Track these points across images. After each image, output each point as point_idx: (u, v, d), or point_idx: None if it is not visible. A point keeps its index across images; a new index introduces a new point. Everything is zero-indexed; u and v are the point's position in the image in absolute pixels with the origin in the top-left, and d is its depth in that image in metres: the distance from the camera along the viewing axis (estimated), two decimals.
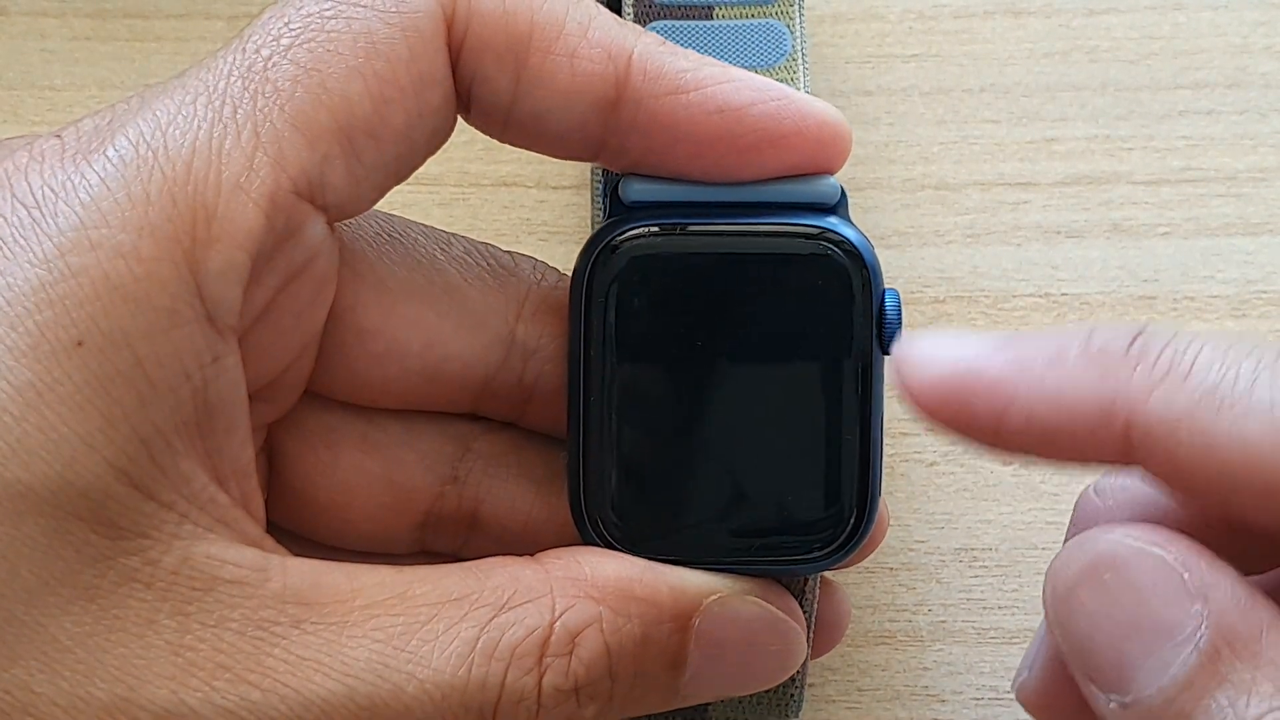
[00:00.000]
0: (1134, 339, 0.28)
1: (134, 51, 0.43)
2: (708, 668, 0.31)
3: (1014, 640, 0.38)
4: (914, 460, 0.40)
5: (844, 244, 0.31)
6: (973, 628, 0.38)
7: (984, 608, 0.39)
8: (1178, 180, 0.42)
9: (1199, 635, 0.27)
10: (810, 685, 0.38)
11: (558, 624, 0.29)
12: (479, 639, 0.29)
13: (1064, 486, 0.39)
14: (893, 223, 0.42)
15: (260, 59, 0.29)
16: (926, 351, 0.28)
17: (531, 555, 0.31)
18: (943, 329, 0.30)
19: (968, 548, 0.39)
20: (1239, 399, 0.27)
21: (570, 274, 0.32)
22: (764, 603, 0.31)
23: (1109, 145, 0.43)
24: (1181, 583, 0.27)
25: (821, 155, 0.31)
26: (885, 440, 0.39)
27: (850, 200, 0.32)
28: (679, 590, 0.31)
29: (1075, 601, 0.28)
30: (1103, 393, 0.27)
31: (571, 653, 0.29)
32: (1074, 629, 0.28)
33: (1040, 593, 0.38)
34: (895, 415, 0.40)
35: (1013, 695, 0.37)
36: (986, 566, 0.39)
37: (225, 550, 0.28)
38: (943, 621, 0.38)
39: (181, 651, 0.27)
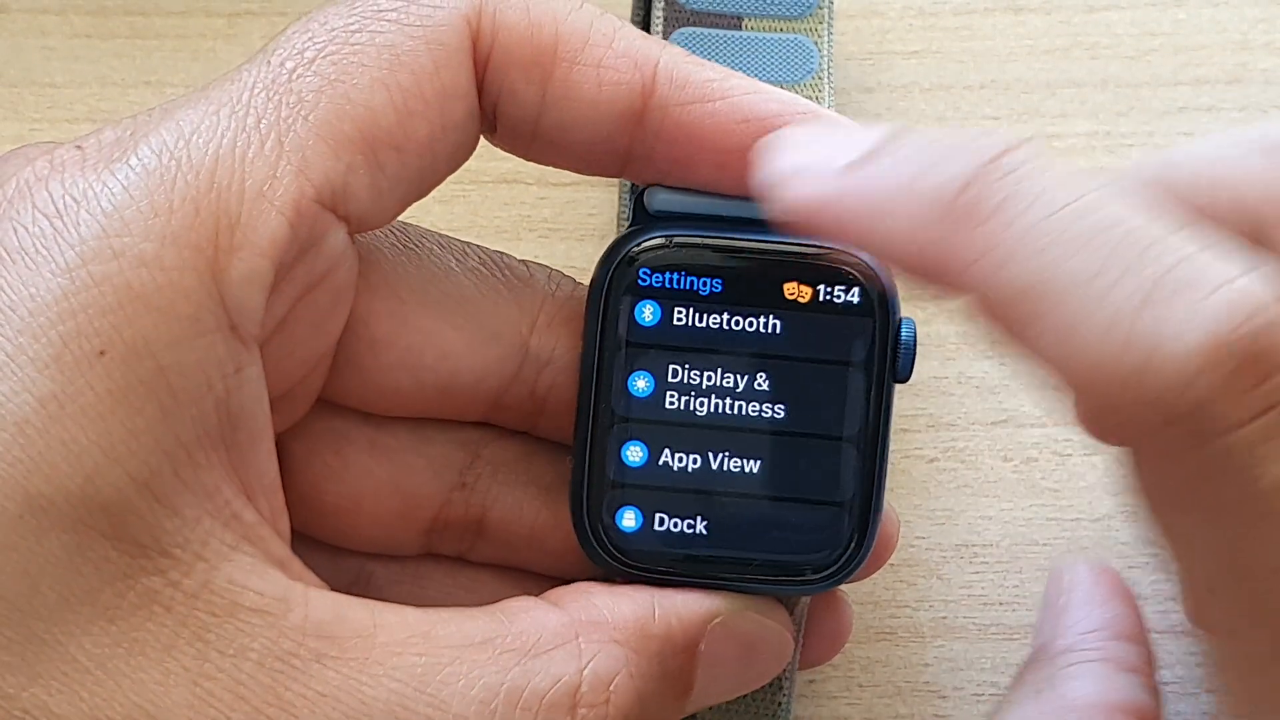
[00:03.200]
0: (968, 181, 0.27)
1: (134, 49, 0.43)
2: (708, 685, 0.31)
3: (1015, 636, 0.38)
4: (914, 457, 0.40)
5: (859, 266, 0.31)
6: (974, 624, 0.38)
7: (985, 604, 0.39)
8: None
9: None
10: (810, 682, 0.38)
11: (586, 671, 0.29)
12: (503, 685, 0.28)
13: (1064, 483, 0.39)
14: None
15: (284, 71, 0.29)
16: (780, 167, 0.29)
17: (543, 594, 0.30)
18: (802, 132, 0.30)
19: (968, 544, 0.39)
20: (1062, 294, 0.26)
21: (585, 282, 0.32)
22: (759, 617, 0.32)
23: (1109, 142, 0.43)
24: None
25: None
26: None
27: None
28: (686, 621, 0.31)
29: None
30: (937, 250, 0.27)
31: (608, 701, 0.29)
32: None
33: (1041, 590, 0.38)
34: (896, 413, 0.40)
35: None
36: (987, 563, 0.39)
37: (248, 576, 0.28)
38: (944, 618, 0.38)
39: (200, 680, 0.27)
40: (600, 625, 0.30)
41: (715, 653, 0.31)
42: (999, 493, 0.40)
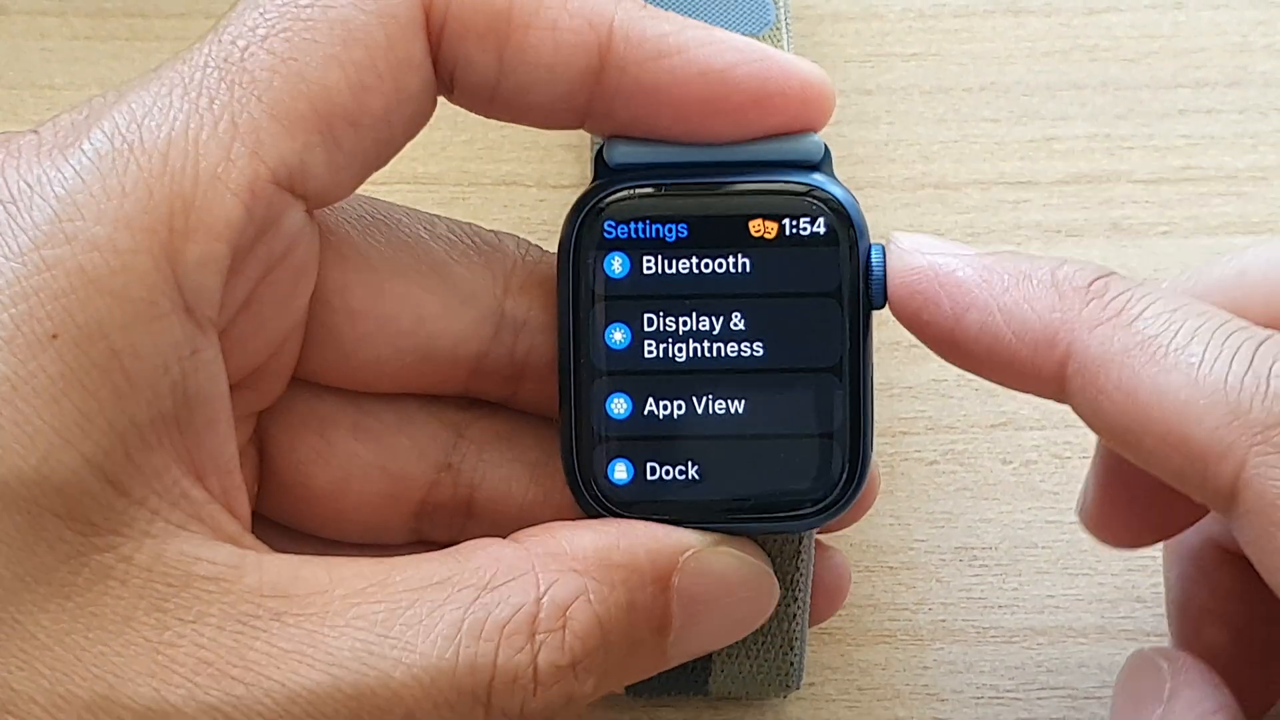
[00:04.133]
0: (1096, 279, 0.30)
1: (133, 51, 0.43)
2: (690, 625, 0.31)
3: (1014, 639, 0.38)
4: (914, 459, 0.40)
5: (830, 200, 0.31)
6: (973, 626, 0.38)
7: (984, 606, 0.39)
8: (1178, 179, 0.42)
9: None
10: (810, 684, 0.38)
11: (545, 599, 0.29)
12: (464, 620, 0.29)
13: (1064, 486, 0.39)
14: (893, 221, 0.42)
15: (236, 50, 0.29)
16: (911, 244, 0.31)
17: (506, 536, 0.31)
18: (931, 235, 0.32)
19: (968, 546, 0.39)
20: (1172, 351, 0.29)
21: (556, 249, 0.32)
22: (736, 552, 0.32)
23: (1109, 144, 0.43)
24: None
25: (805, 114, 0.31)
26: (886, 440, 0.39)
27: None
28: (655, 551, 0.31)
29: None
30: (1052, 317, 0.30)
31: (564, 626, 0.29)
32: None
33: (1039, 592, 0.38)
34: (895, 415, 0.40)
35: (1015, 696, 0.38)
36: (986, 565, 0.39)
37: (198, 548, 0.28)
38: (943, 620, 0.38)
39: (161, 649, 0.27)
40: (558, 556, 0.30)
41: (692, 589, 0.31)
42: (998, 495, 0.40)
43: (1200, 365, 0.28)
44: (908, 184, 0.42)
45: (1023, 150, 0.43)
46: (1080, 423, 0.40)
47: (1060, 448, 0.40)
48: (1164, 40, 0.43)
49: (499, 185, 0.42)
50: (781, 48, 0.37)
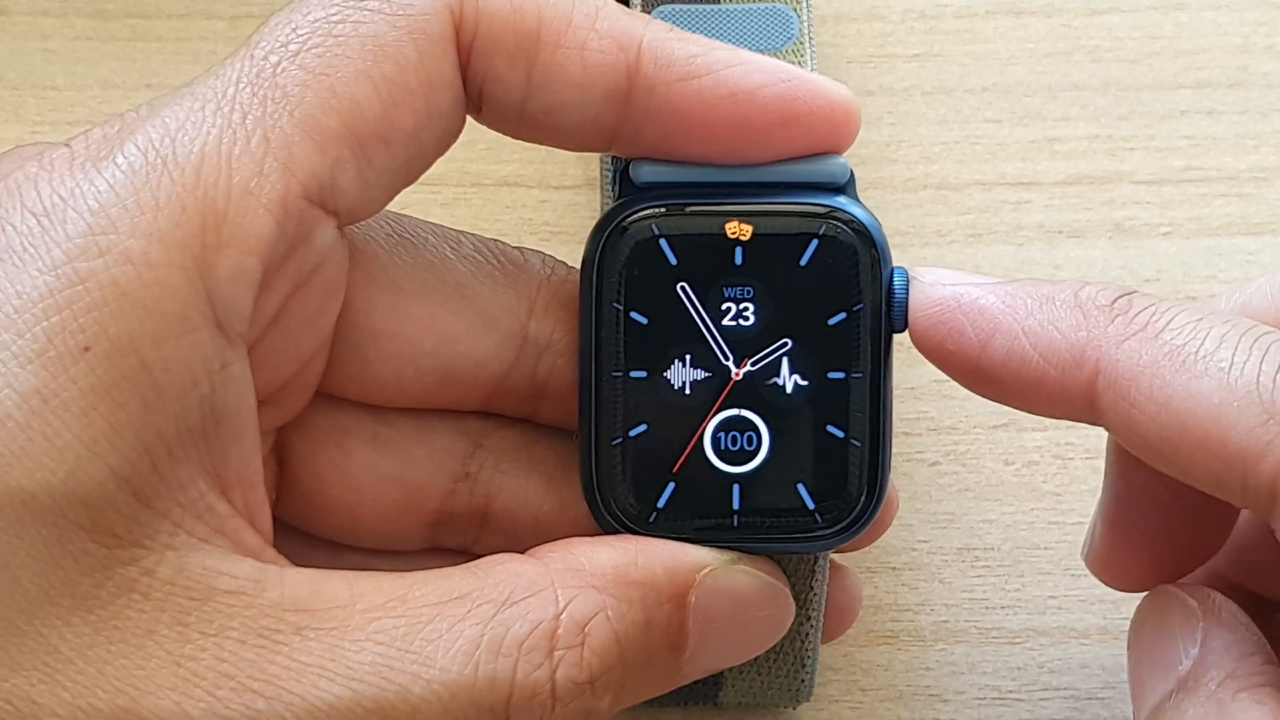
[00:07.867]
0: (1119, 296, 0.30)
1: (135, 51, 0.43)
2: (706, 642, 0.31)
3: (1016, 640, 0.38)
4: (916, 460, 0.40)
5: (853, 223, 0.31)
6: (975, 627, 0.38)
7: (986, 607, 0.39)
8: (1180, 180, 0.42)
9: None
10: None
11: (564, 615, 0.29)
12: (483, 636, 0.29)
13: (1066, 487, 0.39)
14: (895, 222, 0.42)
15: (269, 65, 0.29)
16: (932, 277, 0.31)
17: (525, 551, 0.31)
18: (952, 269, 0.32)
19: (970, 547, 0.39)
20: (1201, 358, 0.29)
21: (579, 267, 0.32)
22: (753, 570, 0.32)
23: (1111, 145, 0.43)
24: None
25: (832, 134, 0.31)
26: None
27: None
28: (673, 569, 0.31)
29: None
30: (1078, 336, 0.30)
31: (583, 643, 0.29)
32: None
33: (1041, 593, 0.38)
34: (898, 416, 0.40)
35: (1017, 697, 0.38)
36: (989, 566, 0.39)
37: (220, 561, 0.28)
38: (945, 621, 0.38)
39: (183, 661, 0.27)
40: (577, 573, 0.30)
41: (707, 607, 0.31)
42: (1000, 496, 0.40)
43: (1231, 368, 0.29)
44: (910, 185, 0.42)
45: (1024, 151, 0.43)
46: (1082, 424, 0.40)
47: (1062, 449, 0.40)
48: (1166, 41, 0.43)
49: (501, 186, 0.42)
50: (804, 61, 0.37)
